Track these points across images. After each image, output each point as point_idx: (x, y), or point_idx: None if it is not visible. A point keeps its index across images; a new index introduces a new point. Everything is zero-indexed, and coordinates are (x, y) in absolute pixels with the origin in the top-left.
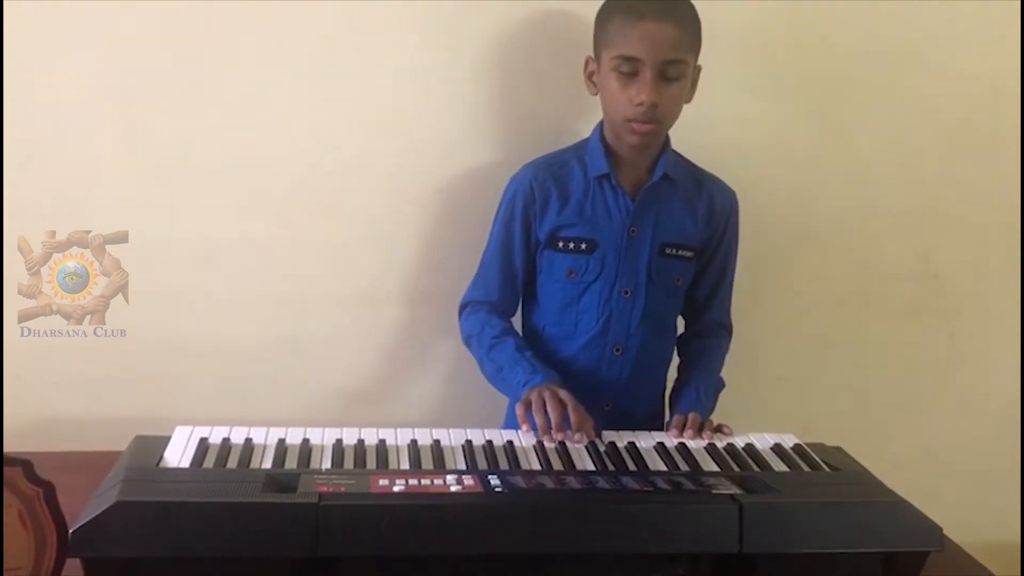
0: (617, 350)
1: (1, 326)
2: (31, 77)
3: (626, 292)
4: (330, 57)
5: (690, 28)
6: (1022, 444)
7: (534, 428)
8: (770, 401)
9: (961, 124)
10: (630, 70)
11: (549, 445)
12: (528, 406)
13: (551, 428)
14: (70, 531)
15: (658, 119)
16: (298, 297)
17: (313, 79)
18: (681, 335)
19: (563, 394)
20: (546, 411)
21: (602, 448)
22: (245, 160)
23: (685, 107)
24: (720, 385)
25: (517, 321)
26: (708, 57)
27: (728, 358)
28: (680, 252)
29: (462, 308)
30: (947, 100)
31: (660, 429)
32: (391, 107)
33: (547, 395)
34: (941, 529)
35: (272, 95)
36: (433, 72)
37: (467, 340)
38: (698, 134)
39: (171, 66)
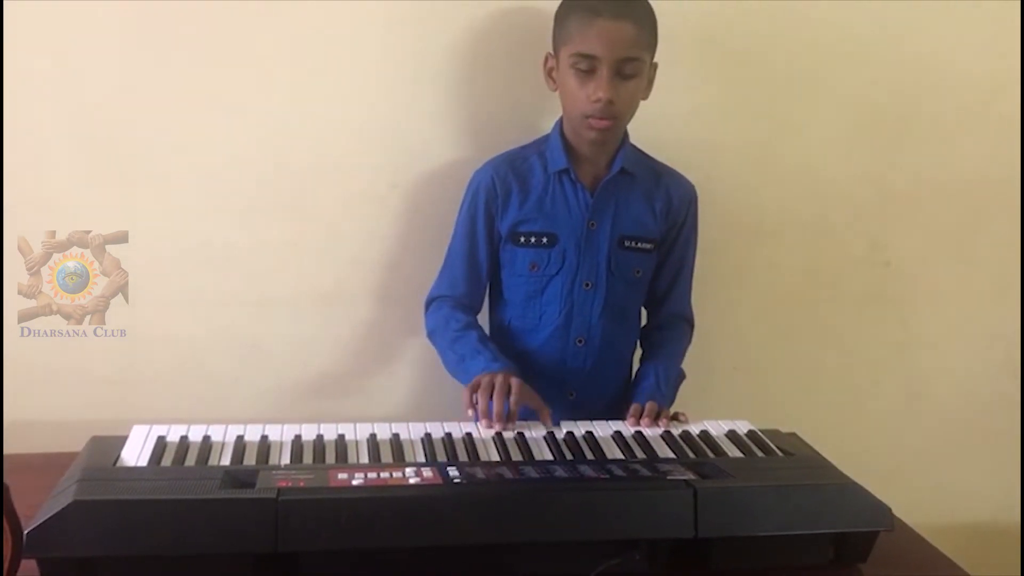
0: (580, 341)
1: (1, 326)
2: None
3: (587, 285)
4: (292, 58)
5: (647, 26)
6: (1021, 434)
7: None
8: (726, 390)
9: (909, 113)
10: (587, 67)
11: (487, 431)
12: (475, 389)
13: (491, 414)
14: (25, 532)
15: (614, 115)
16: (258, 296)
17: (275, 80)
18: (643, 327)
19: (514, 383)
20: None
21: (560, 436)
22: (207, 161)
23: (642, 101)
24: (681, 376)
25: (483, 315)
26: (662, 51)
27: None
28: (639, 244)
29: (428, 303)
30: (896, 91)
31: (623, 415)
32: (352, 106)
33: (498, 381)
34: (890, 510)
35: (234, 96)
36: (395, 71)
37: (431, 334)
38: (652, 127)
39: (132, 70)
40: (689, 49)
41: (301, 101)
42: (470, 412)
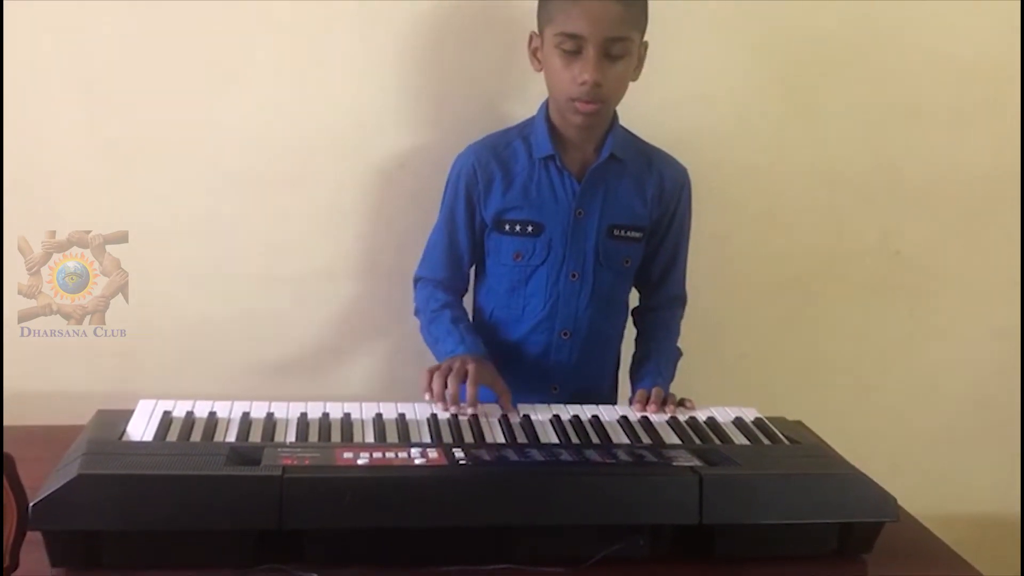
0: (565, 334)
1: (1, 326)
2: None
3: (574, 276)
4: (290, 38)
5: (634, 4)
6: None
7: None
8: (734, 377)
9: (923, 102)
10: (573, 48)
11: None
12: (434, 372)
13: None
14: (31, 504)
15: (602, 99)
16: (261, 273)
17: (274, 60)
18: (636, 308)
19: (471, 367)
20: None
21: (566, 418)
22: (207, 139)
23: (652, 85)
24: (678, 355)
25: (468, 302)
26: (674, 35)
27: (692, 335)
28: (629, 233)
29: (415, 282)
30: (909, 79)
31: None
32: (349, 86)
33: (456, 365)
34: (895, 500)
35: (233, 76)
36: (390, 50)
37: (416, 312)
38: (662, 112)
39: (134, 50)
40: (705, 34)
41: (302, 82)
42: (427, 396)
